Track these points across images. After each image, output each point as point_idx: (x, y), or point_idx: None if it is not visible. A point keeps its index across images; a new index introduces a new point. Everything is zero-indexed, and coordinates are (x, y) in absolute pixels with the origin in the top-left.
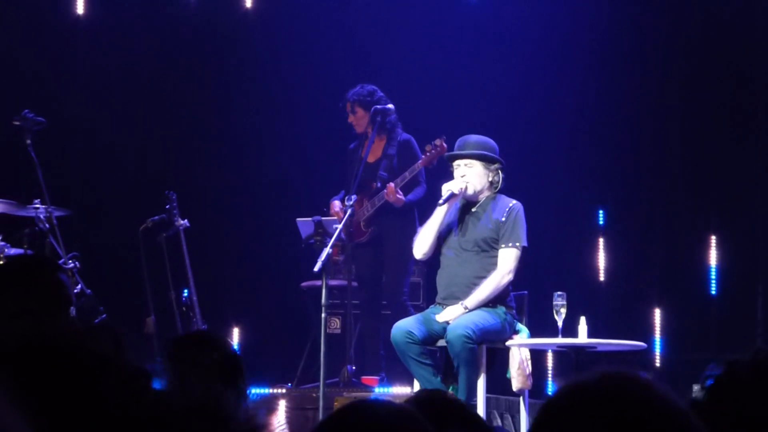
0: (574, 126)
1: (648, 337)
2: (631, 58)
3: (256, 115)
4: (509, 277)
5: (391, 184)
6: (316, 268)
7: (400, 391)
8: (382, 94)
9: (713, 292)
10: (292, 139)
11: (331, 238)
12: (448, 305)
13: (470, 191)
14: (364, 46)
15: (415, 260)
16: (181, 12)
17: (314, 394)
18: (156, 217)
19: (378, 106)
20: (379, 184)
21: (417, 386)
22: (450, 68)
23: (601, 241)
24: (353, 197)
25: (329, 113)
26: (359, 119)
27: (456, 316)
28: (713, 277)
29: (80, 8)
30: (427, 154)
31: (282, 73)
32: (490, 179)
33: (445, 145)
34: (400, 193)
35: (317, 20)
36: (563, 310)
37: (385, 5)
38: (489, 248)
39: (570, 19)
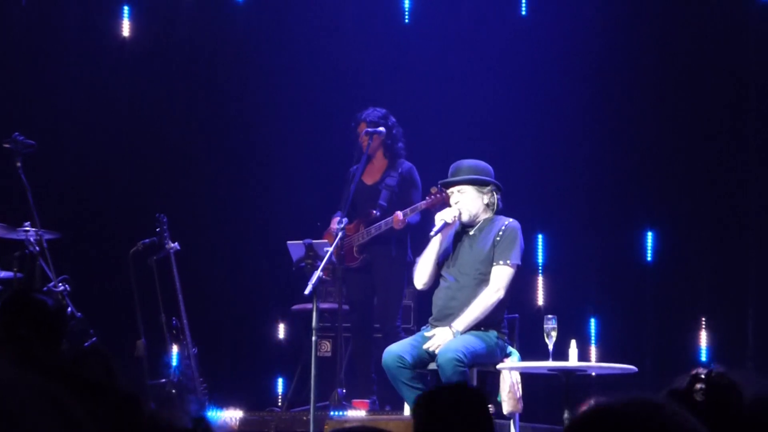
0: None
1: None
2: (617, 113)
3: (247, 138)
4: (499, 294)
5: (400, 215)
6: (306, 291)
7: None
8: (393, 118)
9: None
10: (284, 161)
11: (321, 260)
12: (440, 326)
13: (465, 217)
14: (360, 68)
15: (408, 284)
16: (170, 35)
17: (305, 417)
18: (146, 240)
19: (369, 129)
20: (378, 213)
21: (408, 410)
22: (451, 89)
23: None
24: (344, 220)
25: (321, 135)
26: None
27: (445, 341)
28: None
29: (69, 31)
30: (432, 196)
31: (273, 96)
32: (485, 202)
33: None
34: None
35: (311, 40)
36: (554, 334)
37: (378, 27)
38: (487, 271)
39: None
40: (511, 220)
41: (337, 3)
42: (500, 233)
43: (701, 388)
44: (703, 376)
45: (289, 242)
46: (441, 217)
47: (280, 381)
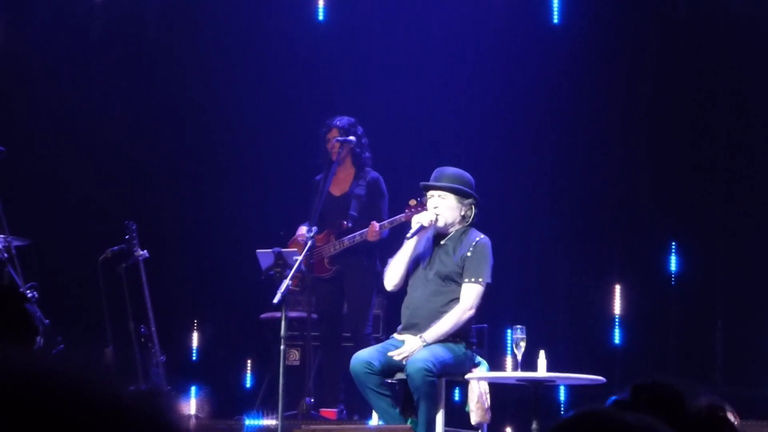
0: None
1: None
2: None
3: (215, 145)
4: (470, 312)
5: (377, 225)
6: (275, 300)
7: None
8: (361, 128)
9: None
10: (253, 169)
11: (290, 269)
12: (409, 335)
13: (440, 223)
14: (324, 78)
15: (377, 292)
16: (139, 43)
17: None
18: (115, 248)
19: (339, 138)
20: (350, 224)
21: (376, 418)
22: (420, 101)
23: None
24: (314, 229)
25: (289, 144)
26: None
27: (413, 349)
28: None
29: (39, 39)
30: (411, 209)
31: (241, 103)
32: (462, 213)
33: None
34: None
35: (277, 50)
36: (522, 344)
37: (345, 36)
38: (454, 283)
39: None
40: (482, 236)
41: (305, 10)
42: (471, 249)
43: (645, 399)
44: (646, 386)
45: (258, 251)
46: (417, 220)
47: (248, 389)
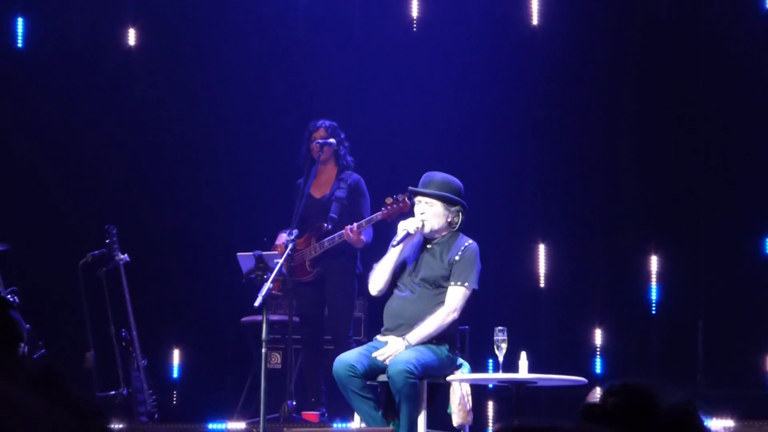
0: (511, 150)
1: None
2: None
3: (196, 149)
4: (454, 315)
5: (354, 226)
6: (256, 303)
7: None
8: (342, 133)
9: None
10: (233, 173)
11: (271, 272)
12: (392, 336)
13: (427, 229)
14: (307, 80)
15: (358, 295)
16: (115, 47)
17: (254, 430)
18: (96, 252)
19: (320, 140)
20: (329, 226)
21: (358, 420)
22: (401, 103)
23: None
24: (295, 232)
25: (272, 147)
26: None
27: (397, 351)
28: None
29: (19, 43)
30: (388, 207)
31: (222, 107)
32: (449, 220)
33: (408, 201)
34: (362, 234)
35: (258, 53)
36: (504, 345)
37: (329, 41)
38: (440, 287)
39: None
40: (471, 241)
41: (287, 19)
42: (460, 253)
43: (616, 401)
44: (617, 389)
45: (239, 254)
46: (404, 227)
47: (229, 393)
